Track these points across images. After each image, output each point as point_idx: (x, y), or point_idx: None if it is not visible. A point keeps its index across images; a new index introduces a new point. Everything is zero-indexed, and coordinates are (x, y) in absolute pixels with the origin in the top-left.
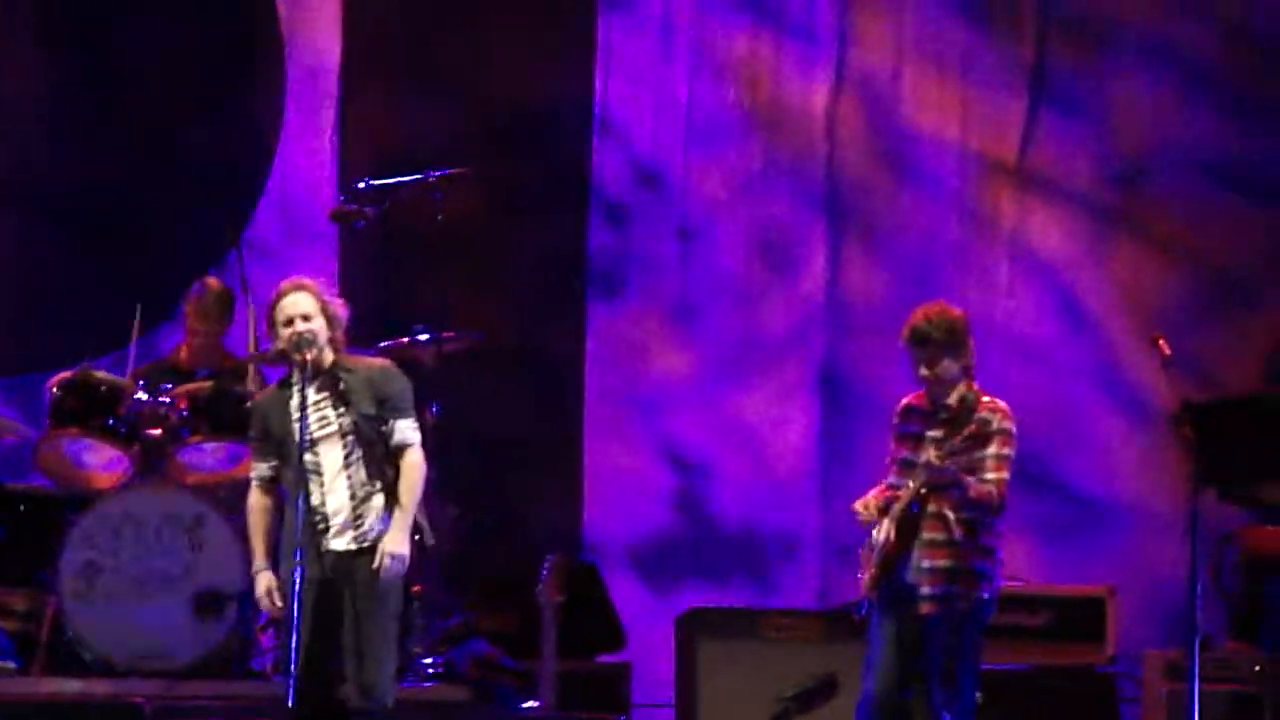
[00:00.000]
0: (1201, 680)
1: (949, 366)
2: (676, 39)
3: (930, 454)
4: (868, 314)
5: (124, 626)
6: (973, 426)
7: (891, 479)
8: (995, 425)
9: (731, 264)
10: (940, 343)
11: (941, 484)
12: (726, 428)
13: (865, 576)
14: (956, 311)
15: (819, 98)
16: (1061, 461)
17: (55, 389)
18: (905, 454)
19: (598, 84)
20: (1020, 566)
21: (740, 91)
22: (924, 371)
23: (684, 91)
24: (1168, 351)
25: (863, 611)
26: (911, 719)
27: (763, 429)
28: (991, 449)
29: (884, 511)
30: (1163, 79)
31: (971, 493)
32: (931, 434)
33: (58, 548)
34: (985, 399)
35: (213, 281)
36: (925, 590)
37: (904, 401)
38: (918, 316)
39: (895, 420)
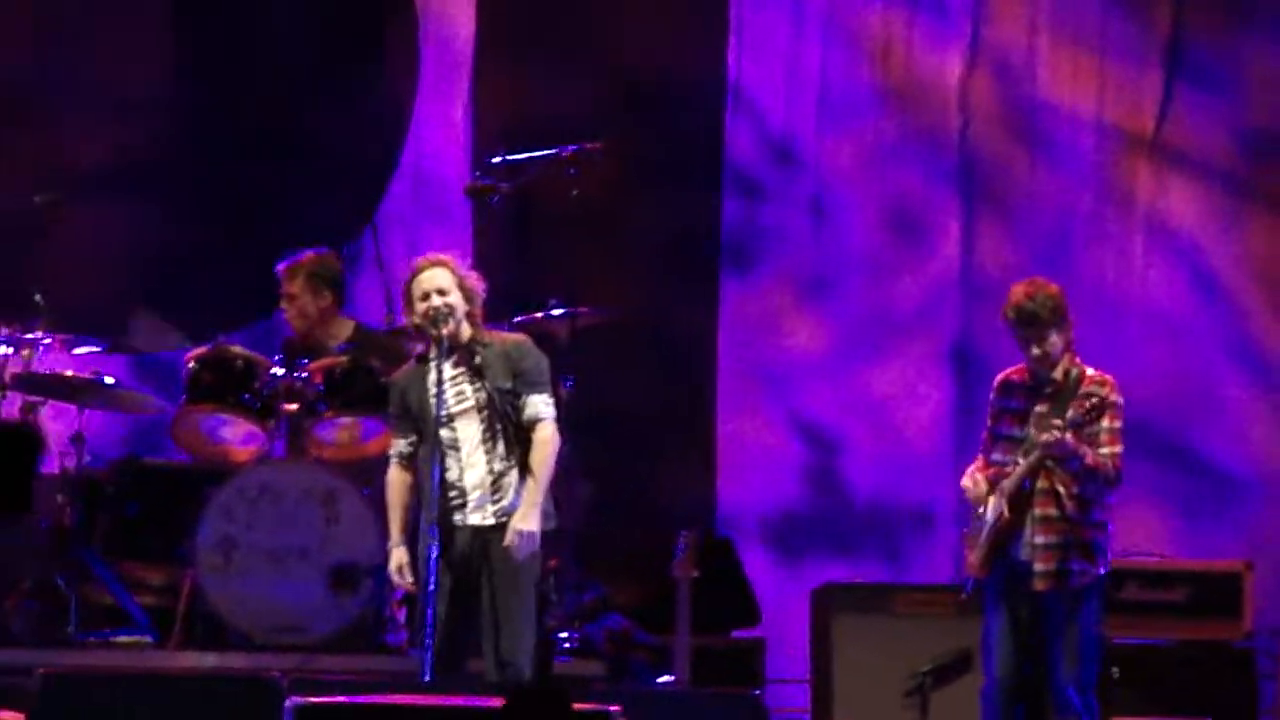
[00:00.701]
0: None
1: (1055, 342)
2: (809, 12)
3: (1053, 425)
4: (1001, 288)
5: (260, 600)
6: (1080, 397)
7: (996, 455)
8: (1108, 399)
9: (864, 238)
10: (1047, 320)
11: (1064, 456)
12: (859, 402)
13: (974, 555)
14: (1054, 287)
15: (952, 71)
16: (1197, 434)
17: (192, 364)
18: (1010, 429)
19: (730, 57)
20: (1156, 541)
21: (873, 64)
22: (1034, 350)
23: (816, 64)
24: None
25: (968, 590)
26: (1036, 698)
27: (895, 403)
28: (1105, 423)
29: (993, 488)
30: None
31: (1090, 461)
32: (1039, 409)
33: (194, 522)
34: (1090, 372)
35: (310, 253)
36: (1039, 567)
37: (1002, 377)
38: (1019, 295)
39: (994, 395)
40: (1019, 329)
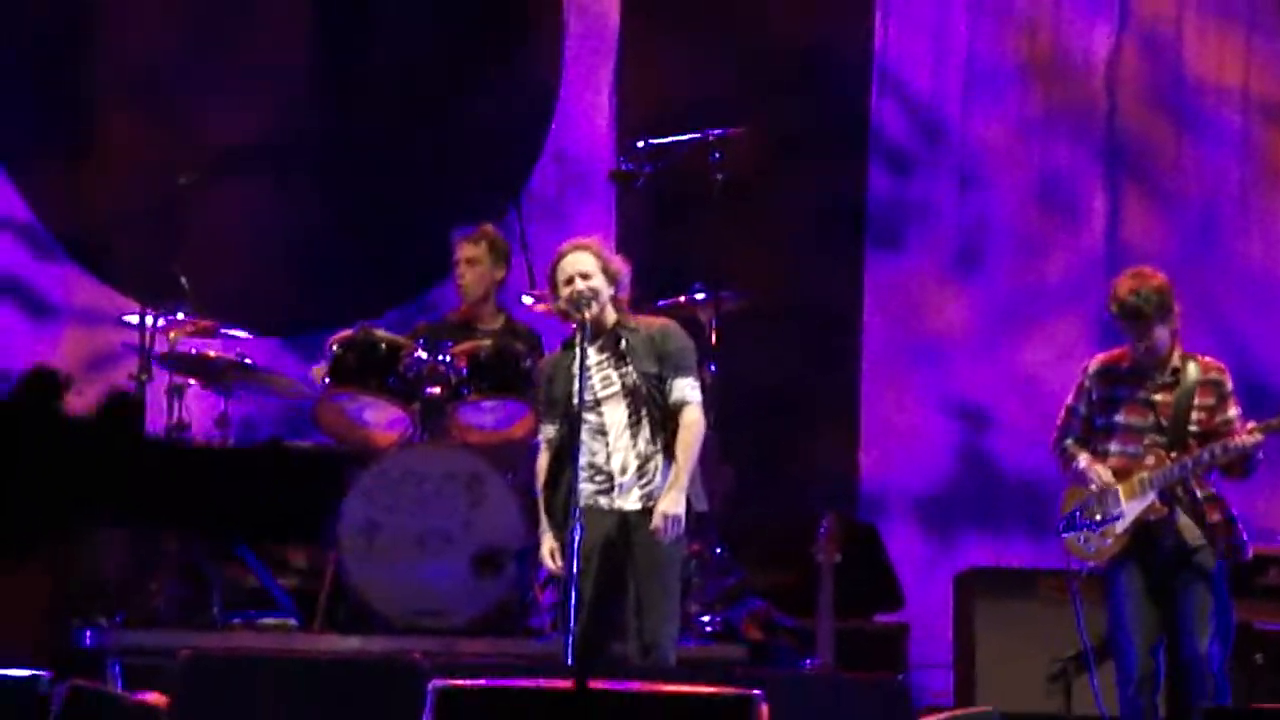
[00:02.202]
0: None
1: (1160, 335)
2: None
3: (1249, 429)
4: (1149, 263)
5: (403, 584)
6: (1209, 391)
7: (1114, 445)
8: (1228, 387)
9: (1011, 214)
10: (1151, 315)
11: (1247, 456)
12: (1008, 379)
13: (1106, 545)
14: (1160, 278)
15: (1100, 47)
16: None
17: (336, 347)
18: (1126, 418)
19: (877, 32)
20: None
21: (1020, 40)
22: (1140, 344)
23: (963, 39)
24: None
25: (1087, 572)
26: (1170, 680)
27: (1044, 380)
28: (1233, 411)
29: (1120, 478)
30: None
31: (1260, 457)
32: (1159, 397)
33: (338, 505)
34: (1205, 359)
35: (488, 225)
36: (1196, 547)
37: (1101, 363)
38: (1123, 290)
39: (1094, 382)
40: (1123, 323)
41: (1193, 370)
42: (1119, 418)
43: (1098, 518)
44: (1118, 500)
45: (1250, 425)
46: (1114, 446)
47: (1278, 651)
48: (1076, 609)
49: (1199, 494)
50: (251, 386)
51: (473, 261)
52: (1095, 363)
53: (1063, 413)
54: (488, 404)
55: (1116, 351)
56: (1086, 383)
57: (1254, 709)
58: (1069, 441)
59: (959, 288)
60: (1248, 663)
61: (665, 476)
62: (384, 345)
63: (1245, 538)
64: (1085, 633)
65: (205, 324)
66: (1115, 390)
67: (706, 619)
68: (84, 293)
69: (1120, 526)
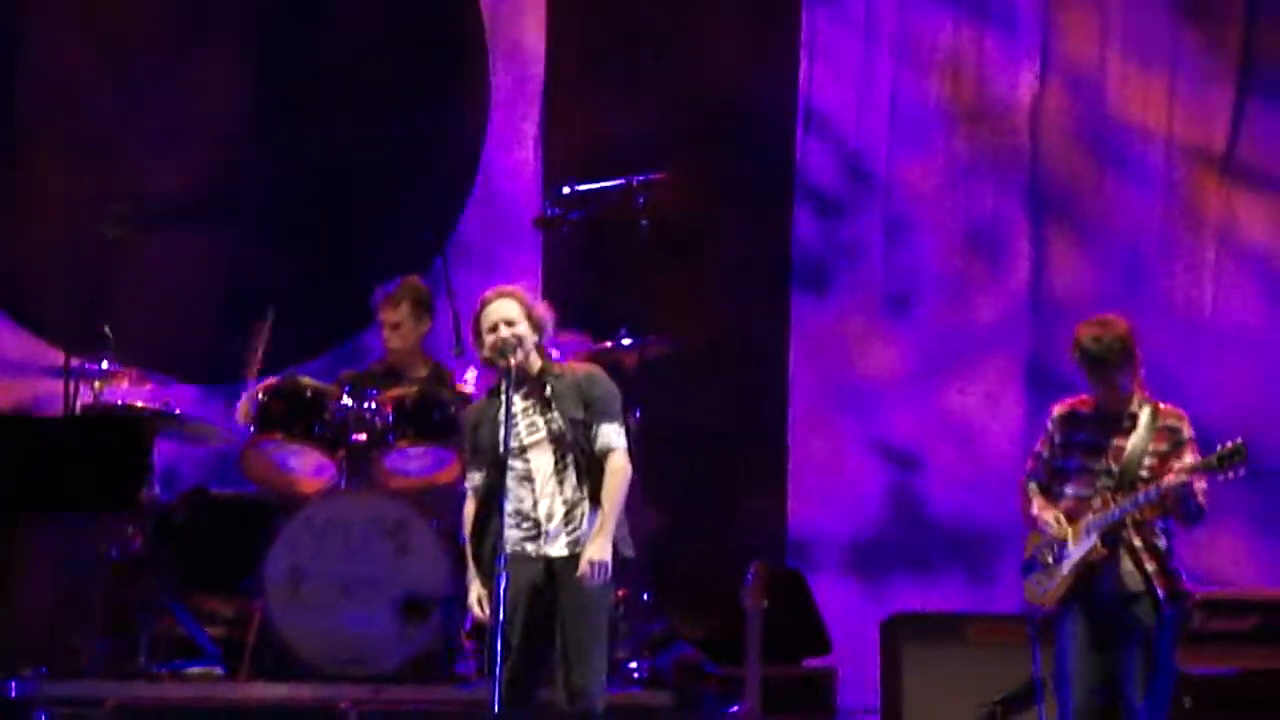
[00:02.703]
0: None
1: (1123, 381)
2: (881, 32)
3: (1185, 465)
4: (1075, 305)
5: (329, 631)
6: (1164, 436)
7: (1070, 489)
8: (1185, 434)
9: (938, 257)
10: (1114, 363)
11: (1184, 497)
12: (936, 422)
13: (1050, 588)
14: (1122, 326)
15: (1024, 90)
16: (1274, 454)
17: (261, 395)
18: (1084, 462)
19: (803, 77)
20: (1230, 563)
21: (944, 84)
22: (1102, 391)
23: (889, 84)
24: None
25: (1036, 620)
26: None
27: (973, 423)
28: (1189, 459)
29: (1071, 522)
30: None
31: (1201, 501)
32: (1116, 442)
33: (264, 553)
34: (1164, 406)
35: (410, 278)
36: (1131, 596)
37: (1065, 408)
38: (1085, 337)
39: (1056, 427)
40: (1086, 370)
41: (1149, 416)
42: (1074, 461)
43: (1047, 560)
44: (1065, 544)
45: (1176, 466)
46: (1069, 490)
47: (1204, 695)
48: (1034, 654)
49: (1140, 541)
50: (177, 435)
51: (396, 325)
52: (1060, 407)
53: (1030, 458)
54: (414, 450)
55: (1082, 397)
56: (1050, 426)
57: None
58: (1032, 485)
59: (886, 331)
60: (1178, 707)
61: (592, 523)
62: (310, 392)
63: (1186, 588)
64: (1040, 675)
65: (130, 372)
66: (1075, 434)
67: (633, 665)
68: (8, 342)
69: (1065, 568)
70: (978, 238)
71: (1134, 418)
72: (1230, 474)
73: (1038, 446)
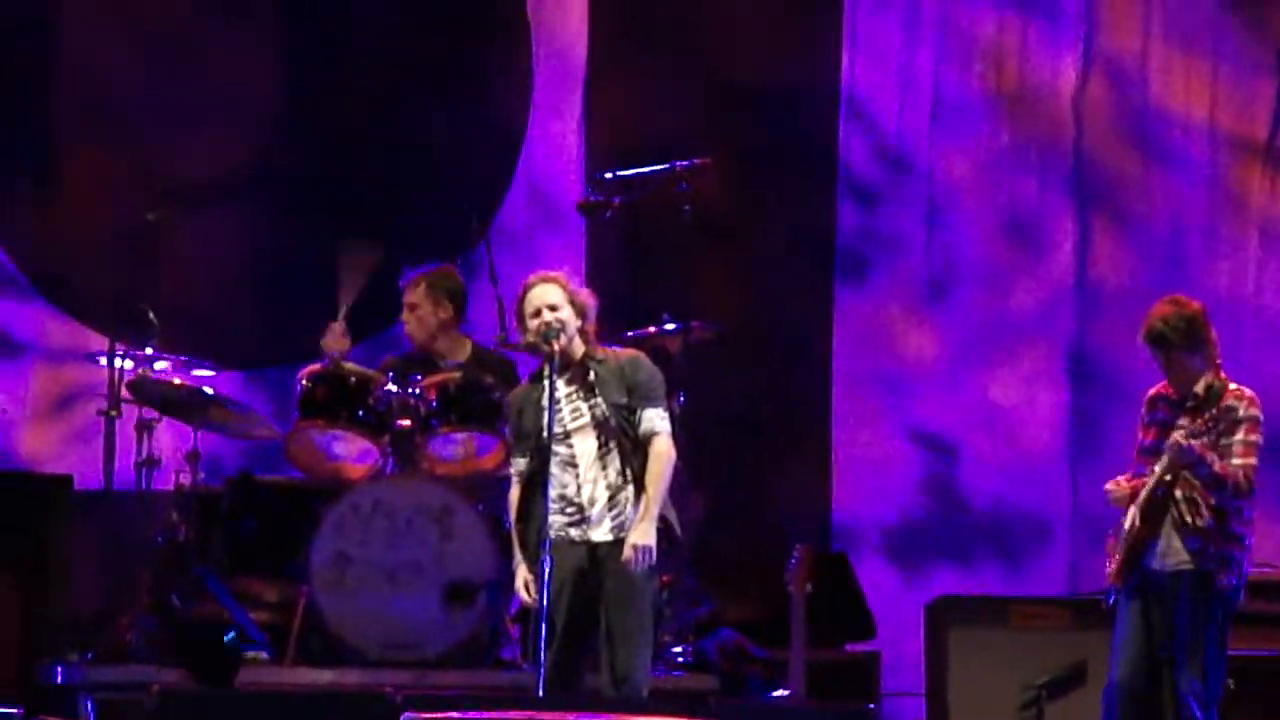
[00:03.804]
0: None
1: (1189, 361)
2: (922, 20)
3: (1176, 435)
4: (1117, 295)
5: (374, 616)
6: (1216, 410)
7: (1140, 469)
8: (1242, 412)
9: (979, 246)
10: (1178, 343)
11: (1190, 462)
12: (976, 410)
13: (1111, 565)
14: (1193, 306)
15: (1066, 80)
16: None
17: (305, 381)
18: (1153, 441)
19: (844, 65)
20: (1273, 551)
21: (987, 72)
22: (1170, 372)
23: (930, 72)
24: None
25: (1110, 601)
26: (1156, 706)
27: (1012, 411)
28: (1239, 435)
29: (1133, 498)
30: None
31: (1216, 468)
32: (1181, 421)
33: (309, 539)
34: (1233, 386)
35: (442, 266)
36: (1172, 574)
37: (1152, 391)
38: (1154, 317)
39: (1144, 409)
40: (1151, 349)
41: (1215, 395)
42: (1148, 440)
43: (1115, 541)
44: (1124, 524)
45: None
46: (1142, 469)
47: (1247, 677)
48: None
49: (1187, 517)
50: (218, 425)
51: (412, 307)
52: (1153, 390)
53: None
54: (458, 435)
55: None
56: (1142, 410)
57: None
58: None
59: (927, 319)
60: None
61: (636, 507)
62: (353, 379)
63: (1212, 575)
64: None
65: (174, 358)
66: (1154, 414)
67: (678, 649)
68: (52, 329)
69: (1122, 549)
70: (1019, 226)
71: (1197, 397)
72: None
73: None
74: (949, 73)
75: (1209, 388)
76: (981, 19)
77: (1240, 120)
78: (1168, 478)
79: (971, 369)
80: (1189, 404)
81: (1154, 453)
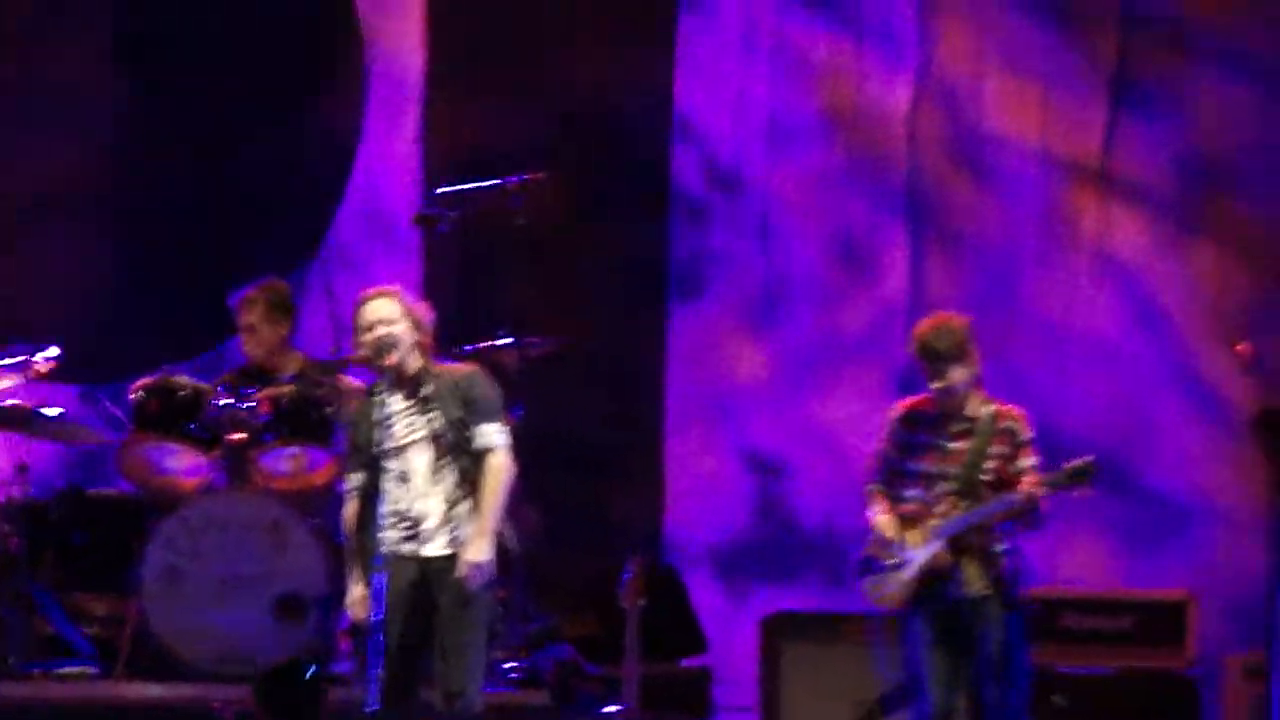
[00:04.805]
0: None
1: (957, 376)
2: (757, 41)
3: (1032, 483)
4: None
5: (205, 630)
6: (994, 432)
7: (909, 490)
8: (1023, 435)
9: (812, 266)
10: (947, 355)
11: (1032, 509)
12: (807, 429)
13: (894, 590)
14: (960, 321)
15: (899, 101)
16: (1142, 465)
17: (137, 394)
18: (921, 465)
19: (678, 85)
20: (1099, 570)
21: (820, 94)
22: (936, 384)
23: (764, 93)
24: (1248, 354)
25: (878, 622)
26: None
27: (843, 431)
28: (1028, 461)
29: (910, 524)
30: (1244, 82)
31: (1030, 502)
32: (954, 445)
33: (140, 552)
34: (1003, 407)
35: (268, 280)
36: (975, 599)
37: (903, 409)
38: (923, 330)
39: (897, 426)
40: (921, 363)
41: (989, 417)
42: (916, 463)
43: (888, 563)
44: (906, 548)
45: (1032, 479)
46: (910, 492)
47: (1078, 694)
48: (878, 652)
49: (983, 546)
50: (51, 436)
51: (250, 329)
52: (901, 407)
53: (871, 458)
54: (290, 449)
55: (922, 397)
56: (890, 428)
57: None
58: (872, 486)
59: (759, 338)
60: (1048, 705)
61: (471, 523)
62: (186, 392)
63: (1015, 595)
64: (887, 674)
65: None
66: (916, 435)
67: (511, 665)
68: None
69: (908, 573)
70: (852, 247)
71: (973, 420)
72: (1077, 491)
73: (879, 444)
74: (783, 94)
75: (980, 409)
76: (816, 41)
77: (1073, 145)
78: (979, 514)
79: (803, 388)
80: (960, 426)
81: (926, 476)
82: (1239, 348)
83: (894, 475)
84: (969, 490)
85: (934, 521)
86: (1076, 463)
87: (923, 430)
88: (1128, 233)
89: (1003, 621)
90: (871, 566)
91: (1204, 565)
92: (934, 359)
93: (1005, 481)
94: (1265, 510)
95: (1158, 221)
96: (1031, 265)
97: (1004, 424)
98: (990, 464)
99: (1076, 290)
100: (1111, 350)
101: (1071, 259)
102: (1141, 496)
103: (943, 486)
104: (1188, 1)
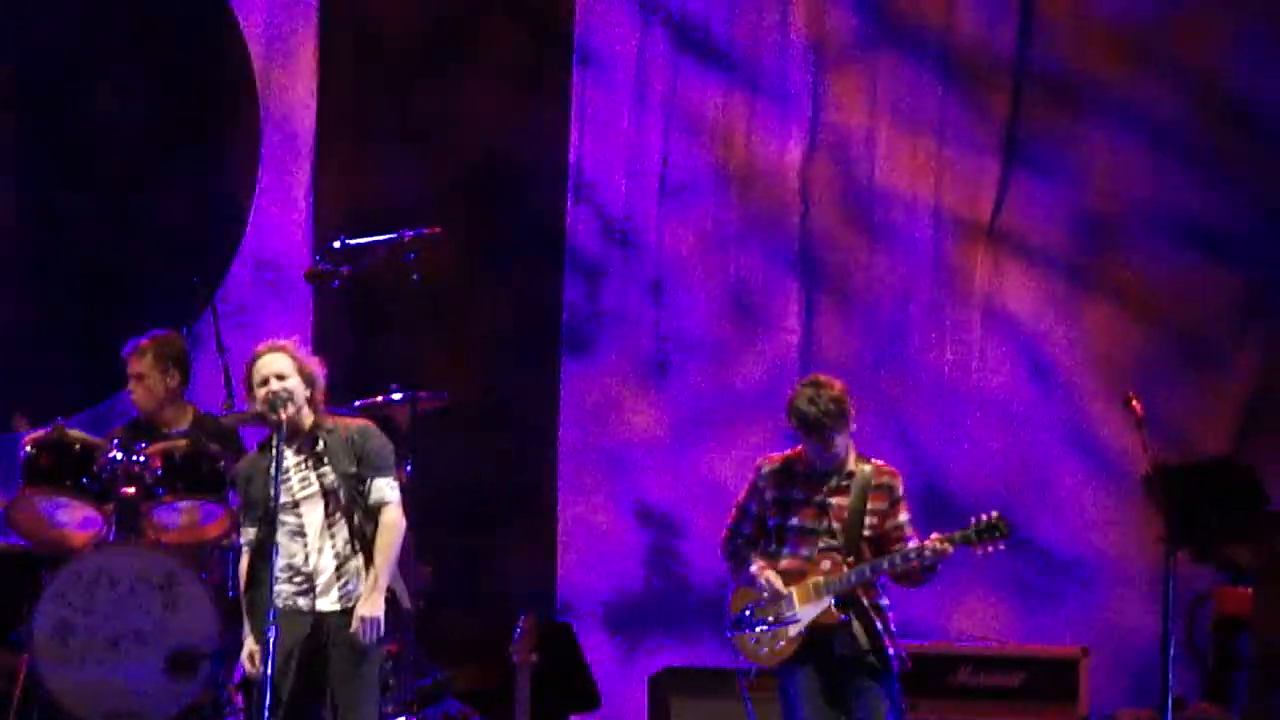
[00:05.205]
0: None
1: (841, 441)
2: (650, 97)
3: (934, 541)
4: (841, 372)
5: (97, 685)
6: (882, 495)
7: (789, 547)
8: (899, 490)
9: (704, 321)
10: (832, 425)
11: (933, 565)
12: (699, 485)
13: (780, 646)
14: (837, 386)
15: (792, 157)
16: (1033, 521)
17: (29, 447)
18: (801, 520)
19: (572, 141)
20: (991, 626)
21: (714, 150)
22: (823, 453)
23: (658, 149)
24: (1140, 411)
25: (752, 676)
26: None
27: (736, 486)
28: (904, 515)
29: (794, 580)
30: (1136, 140)
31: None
32: (836, 501)
33: (31, 606)
34: (878, 464)
35: (160, 333)
36: (861, 654)
37: (776, 463)
38: (803, 401)
39: (768, 482)
40: (804, 435)
41: (866, 474)
42: (793, 520)
43: (770, 619)
44: (792, 604)
45: (936, 536)
46: (787, 549)
47: None
48: (747, 708)
49: (868, 601)
50: None
51: (140, 377)
52: (769, 462)
53: (734, 511)
54: (182, 504)
55: (791, 452)
56: (760, 482)
57: None
58: (740, 542)
59: (652, 394)
60: None
61: (364, 577)
62: (78, 445)
63: (894, 649)
64: None
65: None
66: (790, 492)
67: (402, 719)
68: None
69: (794, 630)
70: (745, 303)
71: (850, 475)
72: (989, 547)
73: (742, 499)
74: (676, 149)
75: (859, 464)
76: (708, 96)
77: (964, 200)
78: (875, 569)
79: (696, 444)
80: (842, 482)
81: (805, 532)
82: (1131, 404)
83: (763, 531)
84: (851, 546)
85: (819, 578)
86: (985, 518)
87: (797, 486)
88: (1019, 289)
89: (885, 677)
90: (746, 622)
91: (1096, 622)
92: (816, 429)
93: (882, 537)
94: (1156, 566)
95: (1049, 278)
96: (923, 320)
97: (881, 480)
98: (870, 520)
99: (968, 346)
100: (1003, 406)
101: (963, 314)
102: (1033, 552)
103: (825, 543)
104: (1080, 57)
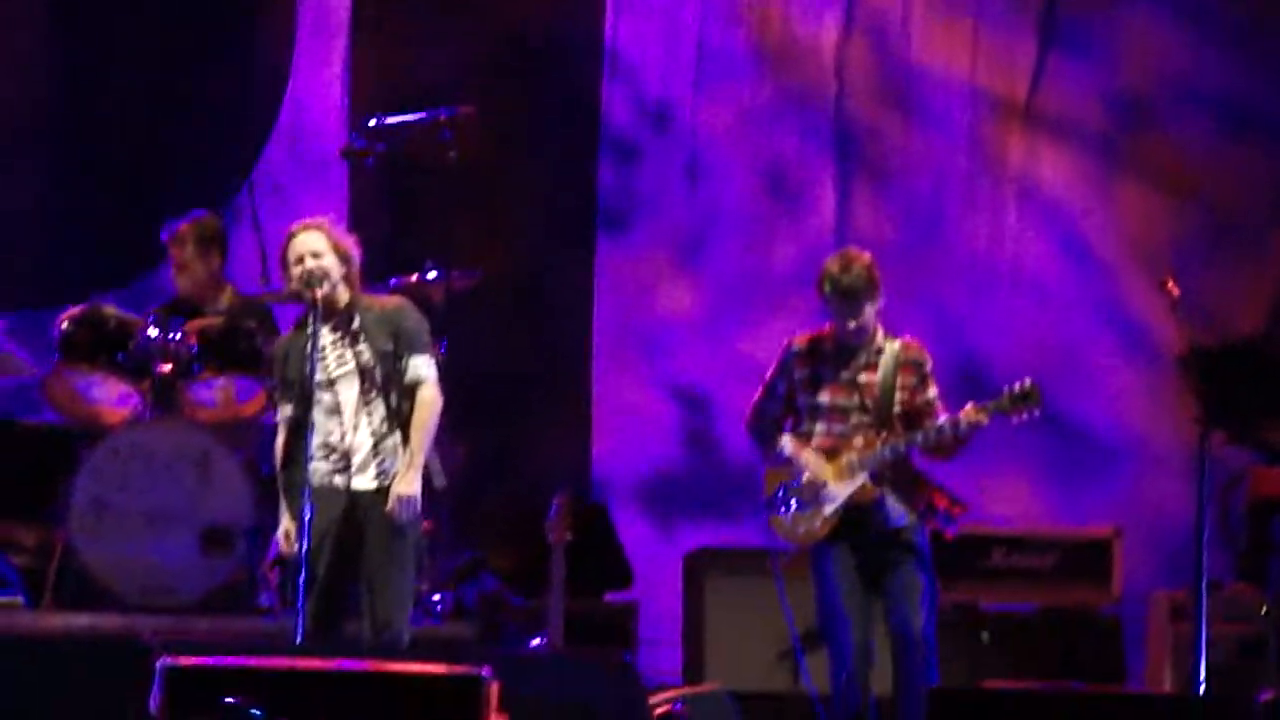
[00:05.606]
0: (1207, 622)
1: (870, 312)
2: None
3: (968, 411)
4: (876, 251)
5: (132, 561)
6: (911, 370)
7: (821, 424)
8: (928, 367)
9: (740, 202)
10: (863, 292)
11: (967, 438)
12: (734, 364)
13: (816, 526)
14: (867, 257)
15: (829, 36)
16: (1068, 402)
17: (65, 324)
18: (826, 399)
19: (608, 21)
20: (1026, 507)
21: (750, 29)
22: (851, 324)
23: (694, 28)
24: (1176, 293)
25: (786, 558)
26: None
27: (771, 365)
28: (933, 391)
29: (830, 458)
30: (1172, 19)
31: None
32: (866, 378)
33: (66, 482)
34: (906, 340)
35: (199, 215)
36: (896, 530)
37: (805, 342)
38: (835, 269)
39: (797, 361)
40: (833, 301)
41: (895, 350)
42: (824, 398)
43: (805, 498)
44: (826, 482)
45: (971, 406)
46: (819, 427)
47: (1002, 630)
48: (779, 589)
49: (906, 476)
50: None
51: (181, 264)
52: (799, 341)
53: (761, 390)
54: (219, 381)
55: (820, 330)
56: (789, 360)
57: (980, 687)
58: (767, 420)
59: (688, 274)
60: (974, 641)
61: (400, 455)
62: (114, 322)
63: (951, 517)
64: (791, 612)
65: None
66: (819, 370)
67: (437, 597)
68: None
69: (829, 509)
70: (780, 182)
71: (879, 352)
72: (1023, 415)
73: (770, 377)
74: (713, 28)
75: (886, 341)
76: None
77: (1000, 80)
78: (908, 442)
79: (731, 323)
80: (865, 359)
81: (837, 410)
82: (1166, 286)
83: (793, 410)
84: (883, 422)
85: (853, 455)
86: (1018, 386)
87: (826, 364)
88: (1054, 169)
89: (920, 551)
90: (779, 503)
91: (1130, 502)
92: (848, 297)
93: (913, 413)
94: (1190, 447)
95: (1085, 158)
96: (958, 200)
97: (909, 355)
98: (900, 396)
99: (1003, 225)
100: (1037, 285)
101: (998, 194)
102: (1067, 432)
103: (856, 419)
104: None
